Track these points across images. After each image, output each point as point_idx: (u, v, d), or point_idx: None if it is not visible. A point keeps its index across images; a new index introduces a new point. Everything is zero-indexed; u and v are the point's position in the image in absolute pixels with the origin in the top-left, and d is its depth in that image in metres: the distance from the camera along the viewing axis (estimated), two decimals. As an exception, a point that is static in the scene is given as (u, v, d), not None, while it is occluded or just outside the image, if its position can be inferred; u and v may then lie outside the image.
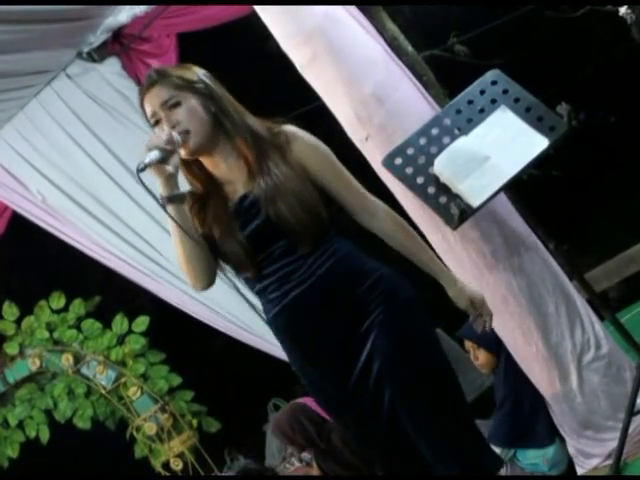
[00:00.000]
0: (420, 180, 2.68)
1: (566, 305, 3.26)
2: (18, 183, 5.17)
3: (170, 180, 2.48)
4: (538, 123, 2.63)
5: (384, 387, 2.51)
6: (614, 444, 3.02)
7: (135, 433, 7.23)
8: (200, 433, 7.31)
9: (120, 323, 7.36)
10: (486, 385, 4.55)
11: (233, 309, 5.09)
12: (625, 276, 6.34)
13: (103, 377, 7.22)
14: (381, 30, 5.49)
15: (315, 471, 4.01)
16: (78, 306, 7.44)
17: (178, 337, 8.28)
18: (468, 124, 2.70)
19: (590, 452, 3.35)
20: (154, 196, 2.45)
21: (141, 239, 5.11)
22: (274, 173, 2.50)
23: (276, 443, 5.35)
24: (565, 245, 3.06)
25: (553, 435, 3.58)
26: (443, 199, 2.62)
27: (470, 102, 2.75)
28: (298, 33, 3.26)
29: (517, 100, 2.70)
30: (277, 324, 2.59)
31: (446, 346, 4.08)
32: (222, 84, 2.65)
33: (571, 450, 3.46)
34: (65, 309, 7.44)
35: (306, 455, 4.19)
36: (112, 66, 4.83)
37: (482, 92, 2.75)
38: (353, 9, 3.36)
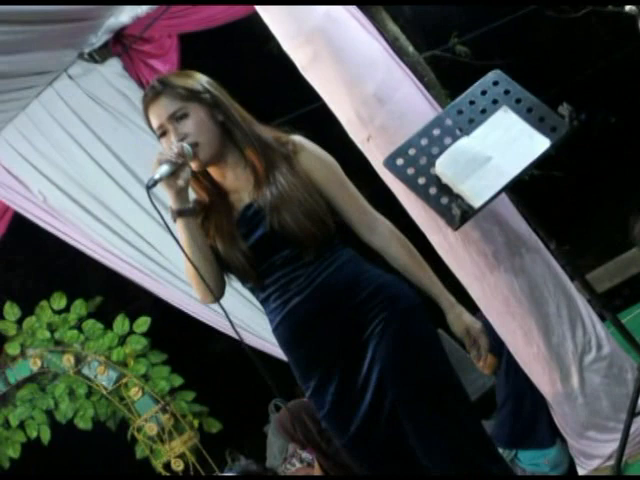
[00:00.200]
0: (421, 181, 2.67)
1: (567, 306, 3.26)
2: (19, 183, 5.17)
3: (181, 194, 2.47)
4: (540, 124, 2.63)
5: (385, 394, 2.50)
6: (615, 445, 3.01)
7: (136, 433, 7.23)
8: (201, 434, 7.30)
9: (121, 324, 7.35)
10: (487, 386, 4.55)
11: (234, 310, 5.09)
12: (627, 277, 6.34)
13: (104, 377, 7.22)
14: (382, 31, 5.49)
15: (316, 471, 4.01)
16: (79, 306, 7.44)
17: (179, 338, 8.29)
18: (470, 125, 2.70)
19: (591, 453, 3.34)
20: (160, 214, 2.43)
21: (142, 240, 5.12)
22: (280, 183, 2.50)
23: (277, 444, 5.34)
24: (566, 246, 3.06)
25: (554, 436, 3.58)
26: (444, 200, 2.62)
27: (472, 102, 2.74)
28: (299, 33, 3.25)
29: (519, 101, 2.70)
30: (279, 334, 2.60)
31: (448, 347, 4.09)
32: (223, 85, 2.64)
33: (572, 451, 3.46)
34: (66, 309, 7.44)
35: (307, 456, 4.19)
36: (113, 67, 4.84)
37: (484, 92, 2.74)
38: (354, 9, 3.36)
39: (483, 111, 2.72)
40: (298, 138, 2.61)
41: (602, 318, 3.39)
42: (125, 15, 4.45)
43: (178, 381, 7.34)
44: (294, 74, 3.37)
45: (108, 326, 7.38)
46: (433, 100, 3.42)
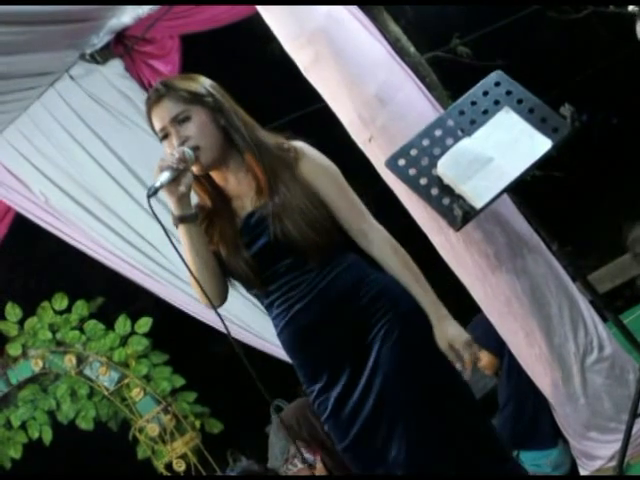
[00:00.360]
0: (423, 181, 2.67)
1: (569, 307, 3.26)
2: (21, 184, 5.17)
3: (182, 200, 2.46)
4: (541, 124, 2.63)
5: (388, 398, 2.50)
6: (617, 446, 3.01)
7: (138, 434, 7.23)
8: (203, 434, 7.31)
9: (123, 324, 7.36)
10: (489, 387, 4.55)
11: (236, 310, 5.09)
12: (628, 278, 6.34)
13: (106, 378, 7.23)
14: (384, 31, 5.49)
15: (318, 472, 4.01)
16: (81, 307, 7.44)
17: (181, 338, 8.29)
18: (471, 125, 2.70)
19: (593, 454, 3.34)
20: (160, 222, 2.42)
21: (144, 240, 5.11)
22: (282, 191, 2.49)
23: (279, 444, 5.34)
24: (568, 246, 3.06)
25: (556, 437, 3.58)
26: (446, 200, 2.62)
27: (473, 103, 2.74)
28: (301, 34, 3.25)
29: (520, 101, 2.70)
30: (284, 338, 2.60)
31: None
32: (224, 86, 2.64)
33: (574, 452, 3.46)
34: (68, 310, 7.45)
35: (309, 457, 4.19)
36: (115, 67, 4.83)
37: (485, 93, 2.74)
38: (356, 10, 3.36)
39: (485, 112, 2.72)
40: (300, 144, 2.59)
41: (604, 319, 3.39)
42: (127, 16, 4.45)
43: (180, 382, 7.34)
44: (296, 75, 3.37)
45: (110, 327, 7.39)
46: (435, 101, 3.42)
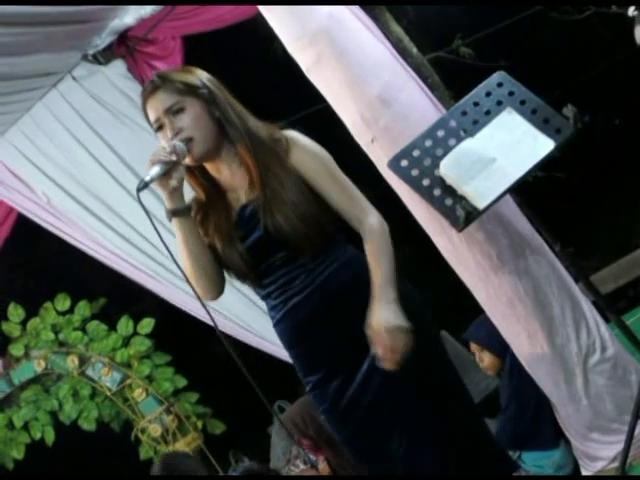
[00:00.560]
0: (426, 182, 2.67)
1: (572, 307, 3.25)
2: (24, 185, 5.18)
3: (174, 193, 2.47)
4: (544, 125, 2.62)
5: (387, 394, 2.51)
6: (620, 447, 3.01)
7: (140, 435, 7.24)
8: (205, 435, 7.31)
9: (125, 325, 7.37)
10: (491, 388, 4.54)
11: (238, 311, 5.09)
12: (631, 278, 6.34)
13: (108, 379, 7.23)
14: (386, 32, 5.49)
15: (322, 472, 4.02)
16: (83, 308, 7.45)
17: (183, 339, 8.29)
18: (474, 126, 2.69)
19: (596, 455, 3.34)
20: (150, 218, 2.42)
21: (146, 241, 5.12)
22: (273, 184, 2.49)
23: (281, 445, 5.34)
24: (571, 247, 3.06)
25: (558, 438, 3.57)
26: (449, 201, 2.61)
27: (476, 104, 2.74)
28: (303, 35, 3.25)
29: (523, 102, 2.70)
30: (280, 330, 2.61)
31: (451, 349, 4.09)
32: (227, 86, 2.64)
33: (576, 453, 3.45)
34: (70, 311, 7.46)
35: (311, 457, 4.19)
36: (117, 68, 4.84)
37: (488, 94, 2.74)
38: (358, 10, 3.36)
39: (487, 112, 2.71)
40: (291, 134, 2.60)
41: (606, 320, 3.39)
42: (129, 17, 4.45)
43: (182, 382, 7.35)
44: (298, 76, 3.37)
45: (112, 327, 7.40)
46: (437, 101, 3.42)
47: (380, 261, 2.50)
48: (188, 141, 2.48)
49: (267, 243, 2.49)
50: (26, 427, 7.54)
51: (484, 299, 3.34)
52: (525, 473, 3.68)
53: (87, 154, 4.98)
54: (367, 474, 2.67)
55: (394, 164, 2.73)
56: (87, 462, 9.33)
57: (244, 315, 5.11)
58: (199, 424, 7.30)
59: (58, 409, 7.50)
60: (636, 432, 2.95)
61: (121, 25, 4.48)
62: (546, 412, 3.51)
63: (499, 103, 2.72)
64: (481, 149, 2.65)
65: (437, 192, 2.65)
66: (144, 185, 2.38)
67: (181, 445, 7.07)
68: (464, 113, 2.74)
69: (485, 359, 3.87)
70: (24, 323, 7.41)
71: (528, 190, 3.39)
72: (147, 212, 2.40)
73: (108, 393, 7.26)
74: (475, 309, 3.49)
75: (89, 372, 7.29)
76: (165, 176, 2.42)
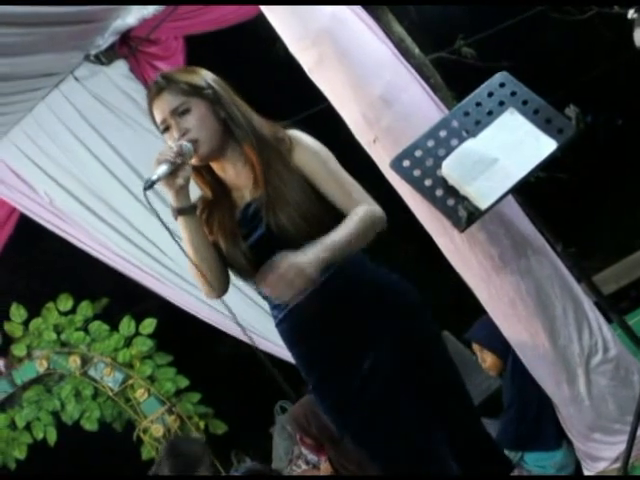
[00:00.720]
0: (428, 182, 2.67)
1: (574, 308, 3.25)
2: (26, 185, 5.18)
3: (180, 192, 2.48)
4: (546, 125, 2.62)
5: (388, 392, 2.51)
6: (622, 447, 3.01)
7: (142, 435, 7.24)
8: (207, 435, 7.31)
9: (127, 325, 7.37)
10: (493, 388, 4.54)
11: (240, 311, 5.09)
12: (633, 279, 6.34)
13: (110, 379, 7.24)
14: (388, 32, 5.49)
15: (324, 472, 4.02)
16: (86, 308, 7.46)
17: (185, 339, 8.29)
18: (476, 126, 2.69)
19: (598, 455, 3.34)
20: (159, 216, 2.43)
21: (148, 241, 5.12)
22: (276, 183, 2.50)
23: (283, 445, 5.35)
24: (573, 248, 3.06)
25: (560, 438, 3.57)
26: (451, 201, 2.61)
27: (478, 104, 2.74)
28: (306, 35, 3.25)
29: (525, 102, 2.69)
30: (282, 330, 2.61)
31: (454, 349, 4.09)
32: (230, 86, 2.65)
33: (578, 453, 3.45)
34: (73, 311, 7.46)
35: (313, 457, 4.19)
36: (120, 68, 4.84)
37: (490, 94, 2.74)
38: (360, 11, 3.36)
39: (489, 113, 2.71)
40: (295, 133, 2.61)
41: (608, 320, 3.39)
42: (132, 17, 4.45)
43: (184, 383, 7.35)
44: (300, 76, 3.37)
45: (114, 328, 7.41)
46: (439, 102, 3.42)
47: (341, 230, 2.45)
48: (194, 142, 2.49)
49: (269, 241, 2.49)
50: (28, 427, 7.55)
51: (486, 299, 3.34)
52: (527, 473, 3.69)
53: (89, 154, 4.99)
54: (369, 472, 2.68)
55: (396, 164, 2.72)
56: (89, 462, 9.34)
57: (246, 315, 5.10)
58: (201, 424, 7.31)
59: (60, 409, 7.50)
60: (638, 432, 2.95)
61: (123, 25, 4.48)
62: (548, 412, 3.51)
63: (501, 103, 2.72)
64: (483, 149, 2.65)
65: (439, 192, 2.64)
66: (151, 184, 2.40)
67: (183, 445, 7.06)
68: (466, 113, 2.73)
69: (487, 359, 3.87)
70: (26, 323, 7.42)
71: (530, 190, 3.39)
72: (154, 210, 2.41)
73: (110, 393, 7.27)
74: (477, 309, 3.50)
75: (91, 372, 7.30)
76: (172, 175, 2.43)
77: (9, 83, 4.33)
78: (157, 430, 7.13)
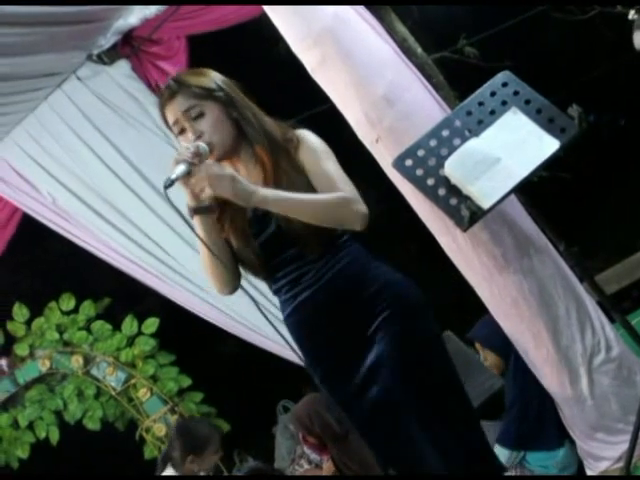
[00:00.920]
0: (430, 182, 2.67)
1: (577, 307, 3.25)
2: (29, 185, 5.18)
3: None
4: (549, 125, 2.62)
5: (391, 390, 2.52)
6: (624, 447, 3.00)
7: (145, 434, 7.24)
8: (209, 435, 7.30)
9: (130, 325, 7.37)
10: (496, 387, 4.54)
11: (243, 311, 5.09)
12: (635, 279, 6.33)
13: (113, 378, 7.24)
14: (391, 32, 5.48)
15: (326, 471, 4.02)
16: (88, 308, 7.46)
17: (188, 339, 8.30)
18: (479, 126, 2.69)
19: (600, 455, 3.34)
20: (180, 212, 2.47)
21: (151, 241, 5.12)
22: (285, 182, 2.54)
23: (285, 445, 5.35)
24: (575, 247, 3.05)
25: (563, 438, 3.57)
26: (454, 201, 2.61)
27: (481, 104, 2.74)
28: (308, 35, 3.26)
29: (528, 102, 2.69)
30: (289, 324, 2.66)
31: (456, 348, 4.09)
32: (238, 86, 2.67)
33: (581, 453, 3.45)
34: (75, 311, 7.46)
35: (315, 457, 4.20)
36: (122, 68, 4.84)
37: (493, 94, 2.74)
38: (363, 10, 3.36)
39: (492, 112, 2.71)
40: (302, 133, 2.65)
41: (611, 320, 3.38)
42: (134, 17, 4.45)
43: (186, 382, 7.35)
44: (303, 76, 3.37)
45: (117, 327, 7.40)
46: (442, 101, 3.42)
47: (303, 195, 2.48)
48: (209, 145, 2.52)
49: (279, 239, 2.55)
50: (31, 427, 7.54)
51: (488, 299, 3.34)
52: (530, 473, 3.69)
53: (91, 154, 4.99)
54: (372, 471, 2.70)
55: (399, 163, 2.73)
56: (92, 461, 9.35)
57: (250, 315, 5.11)
58: (203, 424, 7.29)
59: (63, 409, 7.50)
60: (641, 432, 2.95)
61: (125, 25, 4.48)
62: (550, 412, 3.51)
63: (504, 103, 2.72)
64: (486, 149, 2.64)
65: (442, 192, 2.65)
66: (170, 183, 2.43)
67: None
68: (469, 113, 2.73)
69: (488, 358, 3.87)
70: (29, 323, 7.42)
71: (533, 190, 3.39)
72: (175, 206, 2.45)
73: (113, 393, 7.27)
74: (480, 308, 3.50)
75: (94, 372, 7.30)
76: (189, 175, 2.46)
77: (10, 83, 4.34)
78: (159, 429, 7.12)
